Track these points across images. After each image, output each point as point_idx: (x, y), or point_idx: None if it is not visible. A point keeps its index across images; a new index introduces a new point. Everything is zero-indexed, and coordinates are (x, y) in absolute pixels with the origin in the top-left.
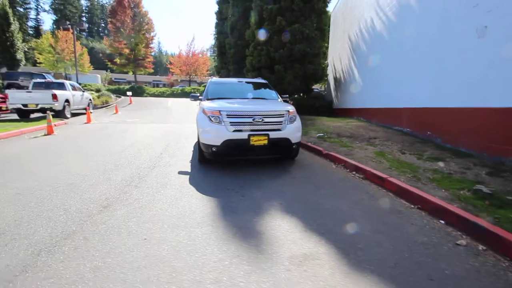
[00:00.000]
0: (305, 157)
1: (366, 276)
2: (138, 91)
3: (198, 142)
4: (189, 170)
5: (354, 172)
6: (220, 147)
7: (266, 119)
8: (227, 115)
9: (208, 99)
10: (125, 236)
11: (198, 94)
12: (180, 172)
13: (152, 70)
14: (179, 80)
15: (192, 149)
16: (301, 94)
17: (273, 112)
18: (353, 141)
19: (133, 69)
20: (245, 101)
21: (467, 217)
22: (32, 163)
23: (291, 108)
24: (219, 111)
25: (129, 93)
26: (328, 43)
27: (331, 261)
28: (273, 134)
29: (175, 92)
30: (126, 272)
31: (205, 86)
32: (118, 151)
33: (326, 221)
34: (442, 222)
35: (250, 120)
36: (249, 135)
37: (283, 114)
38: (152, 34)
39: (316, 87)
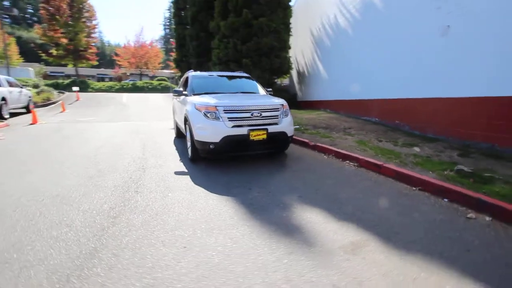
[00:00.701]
0: (292, 150)
1: (417, 256)
2: (81, 86)
3: (191, 140)
4: (185, 170)
5: (347, 161)
6: (219, 144)
7: (264, 114)
8: (224, 110)
9: (195, 94)
10: (160, 246)
11: (182, 89)
12: (177, 173)
13: (96, 63)
14: (128, 74)
15: (174, 147)
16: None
17: (270, 106)
18: (330, 132)
19: (73, 61)
20: (237, 96)
21: (470, 194)
22: None
23: (284, 102)
24: (215, 106)
25: (75, 88)
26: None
27: (380, 246)
28: (271, 128)
29: (125, 86)
30: (187, 286)
31: (160, 80)
32: (92, 154)
33: (351, 209)
34: (446, 200)
35: (248, 115)
36: (249, 130)
37: (279, 108)
38: (94, 22)
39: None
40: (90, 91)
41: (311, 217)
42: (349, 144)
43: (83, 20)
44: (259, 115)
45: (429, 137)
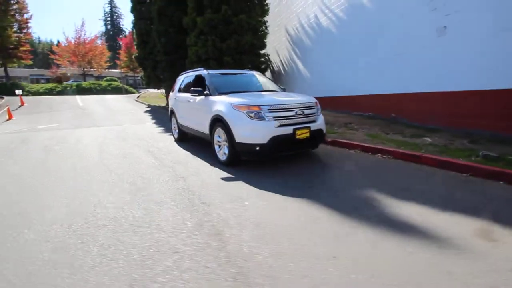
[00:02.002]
0: None
1: None
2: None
3: (230, 143)
4: (227, 174)
5: (379, 154)
6: (266, 145)
7: (305, 111)
8: (269, 109)
9: (220, 94)
10: (330, 267)
11: (201, 89)
12: (224, 179)
13: (30, 62)
14: (68, 74)
15: (187, 152)
16: None
17: (309, 104)
18: (332, 127)
19: (1, 60)
20: (269, 94)
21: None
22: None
23: (315, 99)
24: (259, 106)
25: (18, 91)
26: None
27: (499, 231)
28: (313, 126)
29: (68, 88)
30: None
31: (110, 80)
32: (104, 167)
33: (437, 199)
34: (501, 182)
35: (293, 113)
36: (294, 129)
37: (314, 106)
38: (26, 16)
39: None
40: (26, 95)
41: (401, 213)
42: (363, 138)
43: (12, 13)
44: (302, 113)
45: (430, 128)
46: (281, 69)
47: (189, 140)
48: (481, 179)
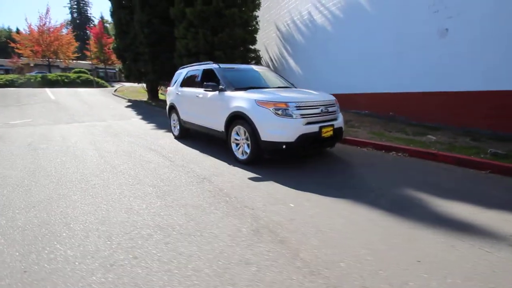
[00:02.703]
0: None
1: None
2: None
3: (254, 141)
4: (254, 174)
5: (393, 152)
6: (293, 143)
7: (329, 109)
8: (296, 107)
9: (237, 89)
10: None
11: (215, 84)
12: (253, 179)
13: None
14: (31, 65)
15: (195, 150)
16: None
17: (331, 101)
18: None
19: None
20: (290, 91)
21: None
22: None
23: (334, 97)
24: (286, 103)
25: None
26: None
27: None
28: (335, 124)
29: (32, 80)
30: None
31: (79, 73)
32: (110, 169)
33: (469, 199)
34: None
35: (318, 111)
36: (320, 127)
37: (335, 103)
38: None
39: None
40: None
41: (463, 210)
42: (368, 136)
43: None
44: (326, 111)
45: (429, 126)
46: (271, 65)
47: (191, 137)
48: (501, 176)
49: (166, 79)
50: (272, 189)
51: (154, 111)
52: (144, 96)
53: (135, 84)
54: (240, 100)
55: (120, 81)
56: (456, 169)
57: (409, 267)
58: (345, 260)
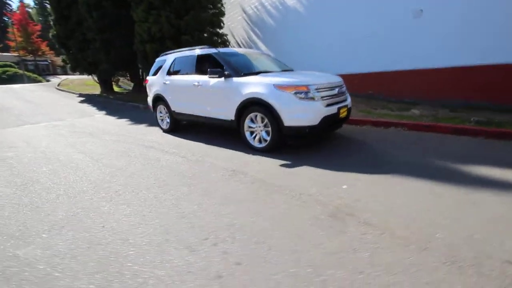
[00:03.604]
0: None
1: None
2: None
3: (275, 127)
4: (283, 161)
5: (392, 127)
6: (317, 126)
7: (342, 90)
8: (316, 89)
9: (246, 74)
10: None
11: (219, 69)
12: (285, 166)
13: None
14: None
15: (194, 142)
16: None
17: (341, 82)
18: None
19: None
20: (300, 73)
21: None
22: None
23: None
24: (307, 85)
25: None
26: None
27: None
28: (348, 104)
29: None
30: None
31: (4, 66)
32: (120, 176)
33: (490, 163)
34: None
35: (335, 92)
36: (338, 108)
37: (344, 84)
38: None
39: None
40: None
41: (492, 171)
42: (358, 114)
43: None
44: (341, 91)
45: (408, 101)
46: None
47: (183, 129)
48: (494, 140)
49: (124, 69)
50: (313, 173)
51: (116, 104)
52: (95, 89)
53: (82, 76)
54: (254, 85)
55: (55, 74)
56: (456, 138)
57: (493, 227)
58: (438, 232)
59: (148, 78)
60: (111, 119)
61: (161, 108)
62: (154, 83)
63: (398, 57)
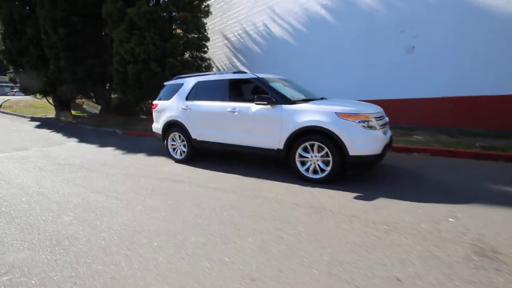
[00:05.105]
0: None
1: None
2: None
3: (339, 155)
4: (351, 193)
5: (415, 153)
6: (380, 154)
7: (387, 119)
8: (375, 117)
9: (294, 102)
10: None
11: (267, 96)
12: (358, 198)
13: None
14: None
15: (225, 174)
16: None
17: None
18: None
19: None
20: (345, 102)
21: None
22: None
23: None
24: (368, 114)
25: None
26: None
27: None
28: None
29: None
30: None
31: None
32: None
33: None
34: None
35: (385, 121)
36: (391, 136)
37: None
38: None
39: None
40: None
41: None
42: None
43: None
44: (387, 120)
45: (404, 127)
46: None
47: (200, 159)
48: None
49: (92, 90)
50: (396, 205)
51: (84, 130)
52: (47, 112)
53: (26, 97)
54: (313, 113)
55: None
56: (481, 163)
57: None
58: None
59: (156, 102)
60: (92, 147)
61: (175, 136)
62: (167, 109)
63: (391, 86)
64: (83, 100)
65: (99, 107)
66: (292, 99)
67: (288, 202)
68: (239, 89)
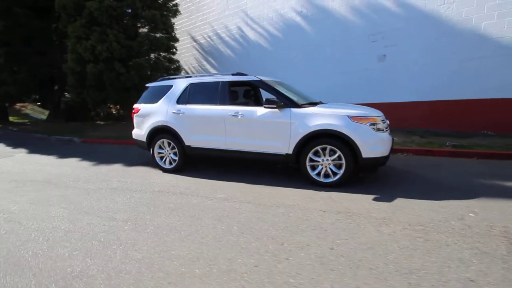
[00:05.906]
0: None
1: None
2: None
3: (352, 158)
4: (366, 195)
5: (399, 153)
6: (388, 156)
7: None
8: (381, 120)
9: (304, 105)
10: None
11: (276, 99)
12: (376, 199)
13: None
14: None
15: (224, 182)
16: None
17: None
18: None
19: None
20: (345, 105)
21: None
22: None
23: None
24: (376, 117)
25: None
26: None
27: None
28: None
29: None
30: None
31: None
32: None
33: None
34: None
35: (388, 123)
36: (393, 138)
37: None
38: None
39: None
40: None
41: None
42: None
43: None
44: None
45: None
46: None
47: (191, 167)
48: (480, 160)
49: (37, 93)
50: (414, 205)
51: (32, 139)
52: None
53: None
54: (324, 117)
55: None
56: (457, 160)
57: None
58: None
59: (138, 106)
60: (51, 159)
61: (163, 143)
62: (153, 113)
63: (365, 92)
64: (26, 104)
65: (46, 112)
66: (300, 102)
67: (312, 209)
68: (240, 92)
